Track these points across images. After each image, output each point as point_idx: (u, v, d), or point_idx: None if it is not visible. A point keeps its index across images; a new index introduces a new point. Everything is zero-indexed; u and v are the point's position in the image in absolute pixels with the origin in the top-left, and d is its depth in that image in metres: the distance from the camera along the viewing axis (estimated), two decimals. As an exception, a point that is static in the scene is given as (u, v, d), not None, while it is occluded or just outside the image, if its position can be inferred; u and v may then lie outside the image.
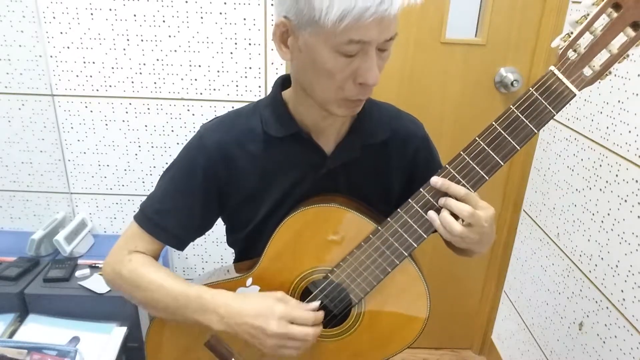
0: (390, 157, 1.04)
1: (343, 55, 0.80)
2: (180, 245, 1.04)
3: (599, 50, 0.79)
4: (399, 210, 0.88)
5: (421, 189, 0.86)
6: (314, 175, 0.99)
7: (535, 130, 0.82)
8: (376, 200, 1.05)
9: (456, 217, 0.85)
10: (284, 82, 1.01)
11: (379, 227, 0.89)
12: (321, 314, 0.93)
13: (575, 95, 0.80)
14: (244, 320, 0.88)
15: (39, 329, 1.65)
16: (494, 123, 0.83)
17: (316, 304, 0.94)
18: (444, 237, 0.88)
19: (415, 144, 1.07)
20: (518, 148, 0.83)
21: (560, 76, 0.80)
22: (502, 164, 0.83)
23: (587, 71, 0.81)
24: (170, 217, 1.00)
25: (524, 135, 0.82)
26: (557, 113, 0.81)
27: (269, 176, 0.99)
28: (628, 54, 0.79)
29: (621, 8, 0.76)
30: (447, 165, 0.85)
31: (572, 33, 0.80)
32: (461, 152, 0.84)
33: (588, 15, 0.78)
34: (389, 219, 0.88)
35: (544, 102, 0.81)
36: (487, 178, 0.84)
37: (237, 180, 1.00)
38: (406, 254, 0.89)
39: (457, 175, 0.84)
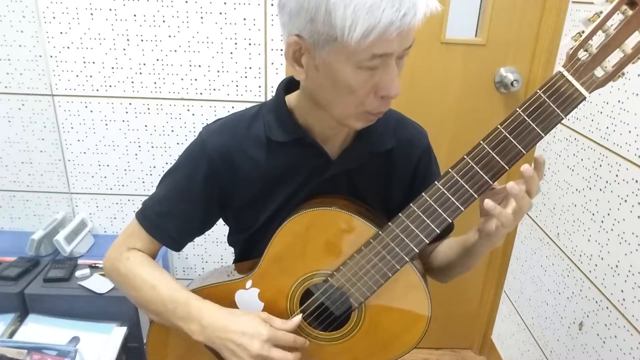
0: (394, 166, 1.04)
1: (365, 69, 0.79)
2: (178, 247, 1.05)
3: (612, 50, 0.75)
4: (400, 214, 0.86)
5: (423, 194, 0.85)
6: (317, 179, 0.99)
7: (543, 134, 0.79)
8: (375, 206, 1.05)
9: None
10: (287, 85, 1.00)
11: (380, 232, 0.88)
12: (302, 340, 0.93)
13: (585, 98, 0.77)
14: (228, 336, 0.88)
15: (39, 329, 1.65)
16: (499, 126, 0.80)
17: (298, 318, 0.94)
18: (512, 221, 0.83)
19: (418, 154, 1.06)
20: (524, 152, 0.80)
21: (570, 78, 0.77)
22: (508, 168, 0.81)
23: (599, 72, 0.77)
24: (170, 220, 1.00)
25: (530, 139, 0.80)
26: (565, 117, 0.78)
27: (272, 182, 0.99)
28: None
29: (637, 5, 0.72)
30: (450, 170, 0.84)
31: (583, 32, 0.76)
32: (465, 156, 0.82)
33: (601, 13, 0.74)
34: (390, 223, 0.87)
35: (552, 105, 0.78)
36: (491, 183, 0.82)
37: (240, 185, 0.99)
38: (407, 259, 0.88)
39: (460, 180, 0.83)
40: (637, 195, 1.32)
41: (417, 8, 0.74)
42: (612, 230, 1.42)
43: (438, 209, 0.85)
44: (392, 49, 0.77)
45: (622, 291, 1.37)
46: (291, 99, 0.99)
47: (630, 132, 1.35)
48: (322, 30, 0.76)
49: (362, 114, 0.86)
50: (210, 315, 0.91)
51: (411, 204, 0.86)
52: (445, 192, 0.84)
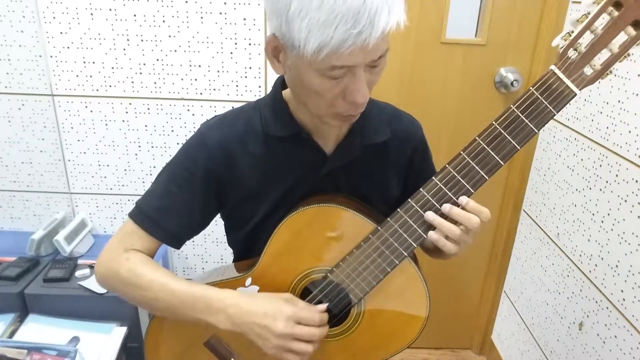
0: (389, 157, 1.05)
1: (328, 78, 0.79)
2: (178, 244, 1.03)
3: (600, 49, 0.79)
4: (398, 210, 0.87)
5: (421, 189, 0.86)
6: (314, 176, 0.99)
7: (536, 130, 0.82)
8: (376, 200, 1.05)
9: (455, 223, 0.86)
10: (284, 81, 1.00)
11: (379, 227, 0.89)
12: (326, 315, 0.93)
13: (576, 94, 0.81)
14: (252, 320, 0.88)
15: (39, 329, 1.65)
16: (494, 123, 0.83)
17: (324, 306, 0.94)
18: (438, 244, 0.88)
19: (413, 145, 1.07)
20: (518, 148, 0.83)
21: (561, 75, 0.80)
22: (503, 163, 0.83)
23: (588, 70, 0.81)
24: (170, 215, 0.99)
25: (524, 135, 0.82)
26: (557, 113, 0.81)
27: (269, 176, 0.99)
28: (629, 53, 0.79)
29: (622, 7, 0.76)
30: (447, 165, 0.85)
31: (572, 32, 0.80)
32: (461, 152, 0.84)
33: (589, 14, 0.78)
34: (388, 218, 0.88)
35: (544, 101, 0.81)
36: (487, 178, 0.84)
37: (237, 179, 0.99)
38: (405, 254, 0.89)
39: (456, 175, 0.84)
40: (637, 195, 1.31)
41: (374, 25, 0.71)
42: (612, 230, 1.41)
43: (435, 204, 0.85)
44: (353, 62, 0.76)
45: (622, 291, 1.37)
46: (287, 93, 1.00)
47: (630, 132, 1.35)
48: (287, 35, 0.77)
49: (335, 114, 0.86)
50: (234, 303, 0.90)
51: (409, 199, 0.87)
52: (443, 187, 0.85)
